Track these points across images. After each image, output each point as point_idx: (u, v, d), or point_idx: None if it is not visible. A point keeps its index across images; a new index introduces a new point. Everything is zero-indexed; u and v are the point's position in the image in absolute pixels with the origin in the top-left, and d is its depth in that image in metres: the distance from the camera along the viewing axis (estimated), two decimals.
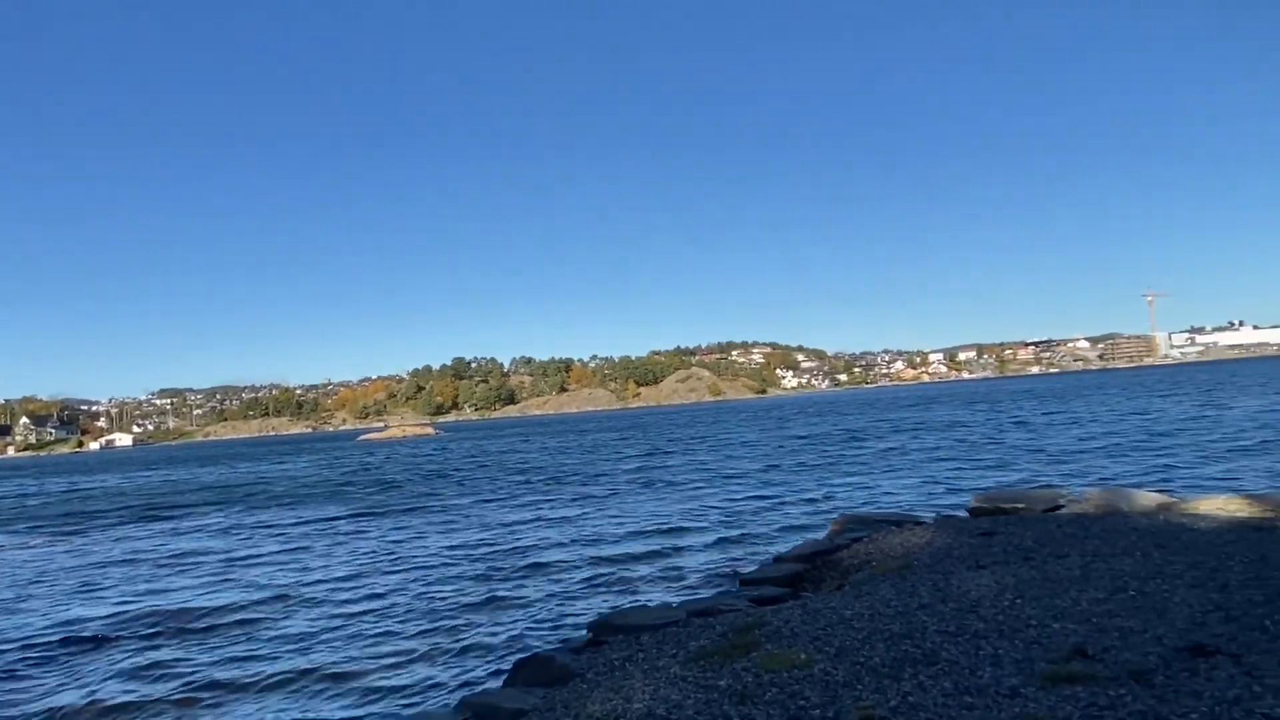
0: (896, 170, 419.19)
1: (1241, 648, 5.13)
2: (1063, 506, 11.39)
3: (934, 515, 13.68)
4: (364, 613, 11.49)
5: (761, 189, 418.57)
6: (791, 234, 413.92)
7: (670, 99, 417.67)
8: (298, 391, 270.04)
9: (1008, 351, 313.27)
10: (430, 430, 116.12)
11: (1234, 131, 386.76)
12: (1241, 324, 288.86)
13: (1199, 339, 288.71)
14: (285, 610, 12.07)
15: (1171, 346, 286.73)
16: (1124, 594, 6.67)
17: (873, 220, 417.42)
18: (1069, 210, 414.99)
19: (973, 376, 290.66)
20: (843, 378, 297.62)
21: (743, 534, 15.41)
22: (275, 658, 9.67)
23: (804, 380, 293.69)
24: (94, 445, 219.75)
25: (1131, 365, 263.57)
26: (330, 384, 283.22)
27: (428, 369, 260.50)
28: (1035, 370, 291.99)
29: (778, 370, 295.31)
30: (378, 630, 10.52)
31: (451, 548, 16.32)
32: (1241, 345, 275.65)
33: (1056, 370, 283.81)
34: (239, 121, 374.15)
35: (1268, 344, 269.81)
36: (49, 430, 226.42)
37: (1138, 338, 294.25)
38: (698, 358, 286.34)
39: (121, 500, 35.69)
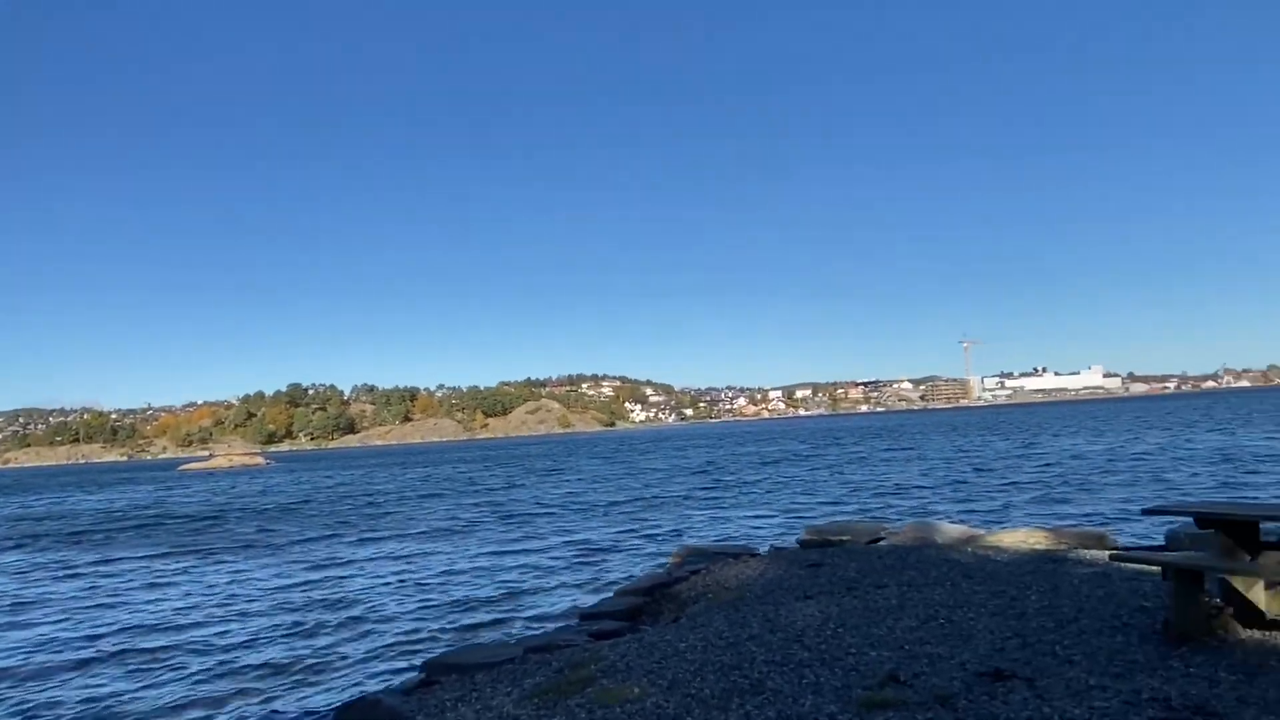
0: (738, 212, 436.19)
1: (1035, 672, 5.57)
2: (883, 539, 12.07)
3: (769, 547, 14.17)
4: (170, 659, 10.69)
5: (612, 225, 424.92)
6: (640, 271, 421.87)
7: (522, 123, 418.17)
8: (113, 416, 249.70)
9: (840, 390, 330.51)
10: (261, 460, 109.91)
11: (1039, 195, 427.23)
12: (1045, 370, 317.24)
13: (1008, 383, 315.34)
14: (73, 666, 11.06)
15: (984, 390, 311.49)
16: (934, 622, 7.12)
17: (719, 259, 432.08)
18: (897, 257, 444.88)
19: (809, 413, 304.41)
20: (689, 412, 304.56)
21: (591, 568, 15.41)
22: None
23: (652, 414, 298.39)
24: None
25: (950, 406, 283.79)
26: (150, 409, 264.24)
27: (260, 395, 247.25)
28: (865, 408, 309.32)
29: (627, 403, 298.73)
30: (185, 677, 9.81)
31: (275, 589, 15.44)
32: (1044, 390, 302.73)
33: (883, 409, 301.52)
34: (42, 113, 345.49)
35: (1066, 389, 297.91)
36: None
37: (955, 381, 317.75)
38: (548, 390, 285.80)
39: None
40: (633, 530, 20.38)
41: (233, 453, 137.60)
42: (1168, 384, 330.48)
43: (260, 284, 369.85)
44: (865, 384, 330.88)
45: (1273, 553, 5.92)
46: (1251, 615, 5.95)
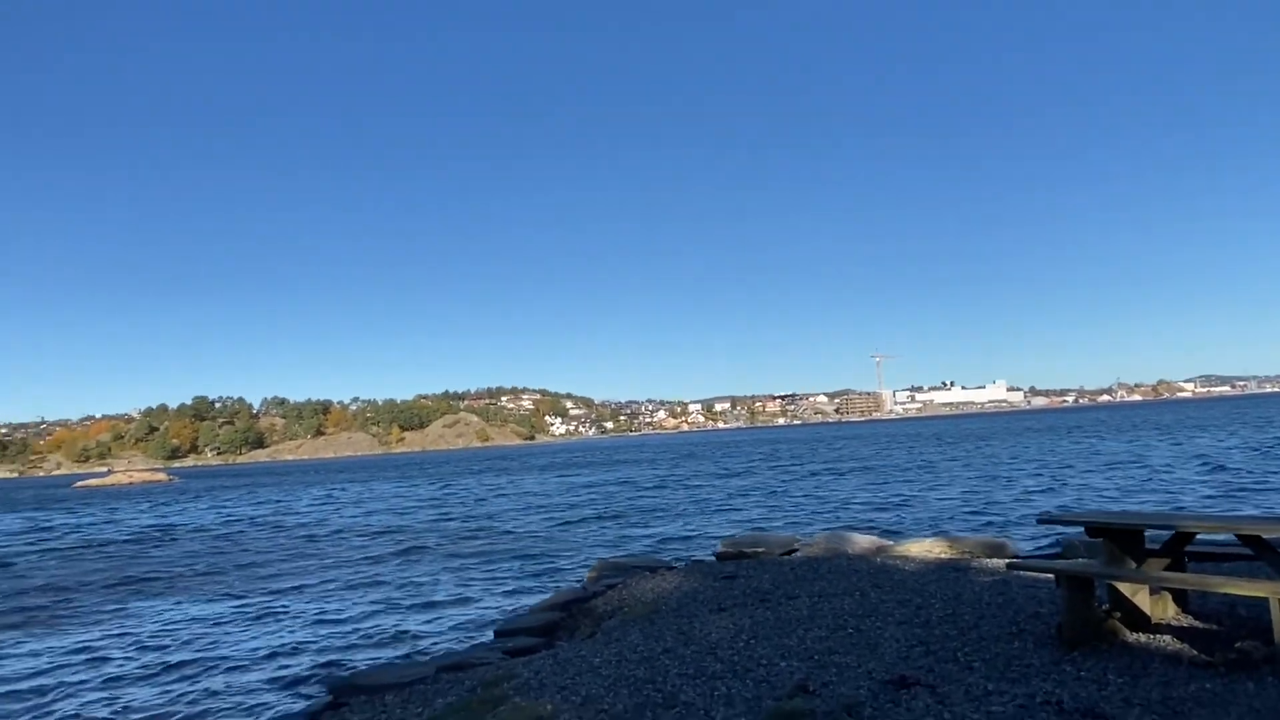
0: (662, 225, 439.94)
1: (937, 679, 5.75)
2: (797, 550, 12.28)
3: (685, 560, 14.25)
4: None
5: (532, 235, 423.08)
6: (561, 283, 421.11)
7: (442, 126, 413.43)
8: (2, 430, 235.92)
9: (758, 404, 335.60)
10: (163, 476, 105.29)
11: (951, 214, 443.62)
12: (952, 384, 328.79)
13: (918, 396, 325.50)
14: None
15: (895, 403, 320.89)
16: (844, 631, 7.28)
17: (638, 272, 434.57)
18: (811, 272, 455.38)
19: (728, 426, 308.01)
20: (609, 425, 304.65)
21: (516, 580, 15.23)
22: None
23: (572, 427, 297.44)
24: None
25: (863, 419, 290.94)
26: (45, 422, 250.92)
27: (164, 408, 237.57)
28: (782, 421, 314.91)
29: (547, 417, 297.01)
30: (67, 702, 9.33)
31: (175, 616, 14.84)
32: (952, 403, 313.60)
33: (800, 422, 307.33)
34: None
35: (973, 402, 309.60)
36: None
37: (868, 394, 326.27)
38: (466, 403, 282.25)
39: None
40: (560, 541, 20.25)
41: (133, 469, 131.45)
42: (1066, 397, 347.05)
43: (163, 290, 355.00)
44: (782, 397, 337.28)
45: (1156, 560, 6.25)
46: (1138, 619, 6.27)
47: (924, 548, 11.20)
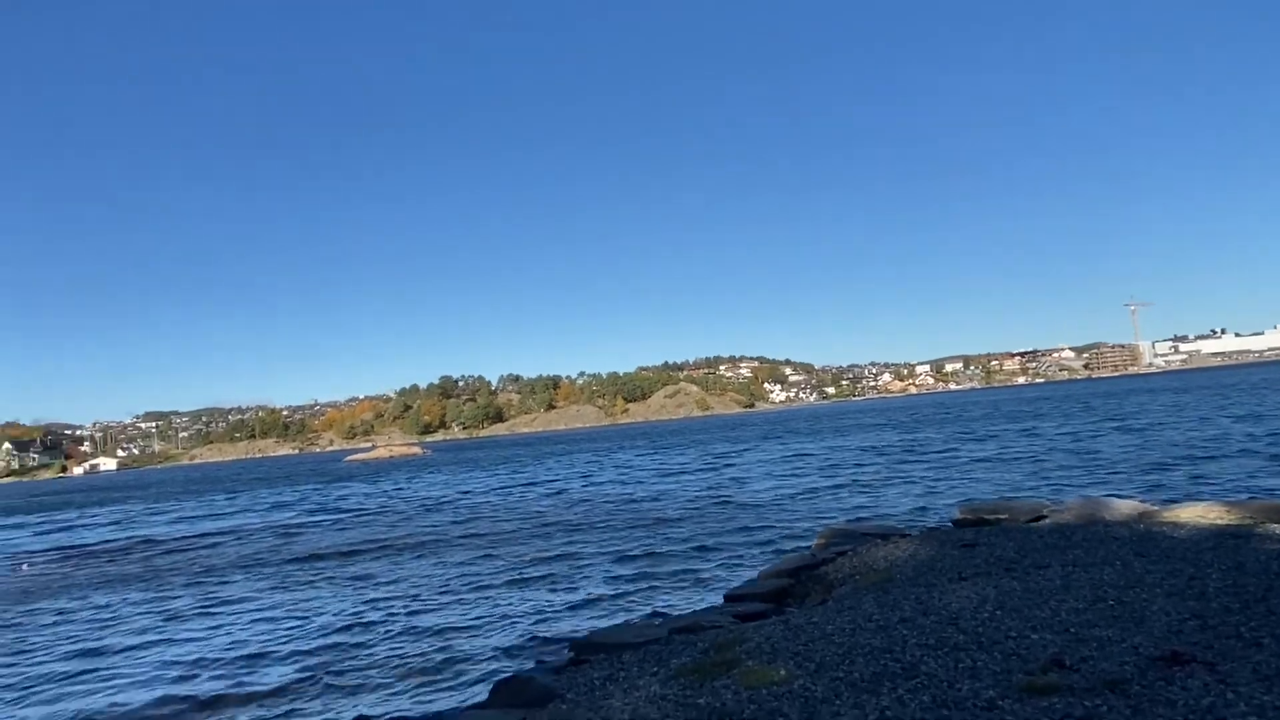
0: (880, 183, 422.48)
1: (1216, 655, 5.14)
2: (1045, 517, 11.42)
3: (919, 528, 13.71)
4: (346, 638, 11.40)
5: (746, 203, 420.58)
6: (777, 248, 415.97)
7: (652, 112, 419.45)
8: (284, 412, 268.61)
9: (994, 362, 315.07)
10: (418, 450, 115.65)
11: (1218, 139, 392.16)
12: (1224, 331, 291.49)
13: (1182, 347, 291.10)
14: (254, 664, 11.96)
15: (1155, 355, 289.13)
16: (1103, 604, 6.68)
17: (859, 233, 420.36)
18: (1053, 220, 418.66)
19: (960, 388, 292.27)
20: (830, 391, 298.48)
21: (754, 540, 15.39)
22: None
23: (792, 394, 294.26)
24: (78, 470, 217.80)
25: (1116, 374, 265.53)
26: (317, 404, 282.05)
27: (415, 388, 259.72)
28: (1021, 380, 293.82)
29: (765, 384, 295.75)
30: (356, 650, 10.44)
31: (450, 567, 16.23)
32: (1224, 353, 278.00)
33: (1042, 380, 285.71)
34: (220, 138, 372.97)
35: (1248, 351, 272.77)
36: (32, 456, 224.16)
37: (1122, 347, 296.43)
38: (685, 373, 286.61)
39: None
40: (775, 504, 20.19)
41: (392, 444, 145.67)
42: None
43: (413, 281, 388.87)
44: (1022, 354, 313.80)
45: None
46: None
47: (1197, 513, 10.05)
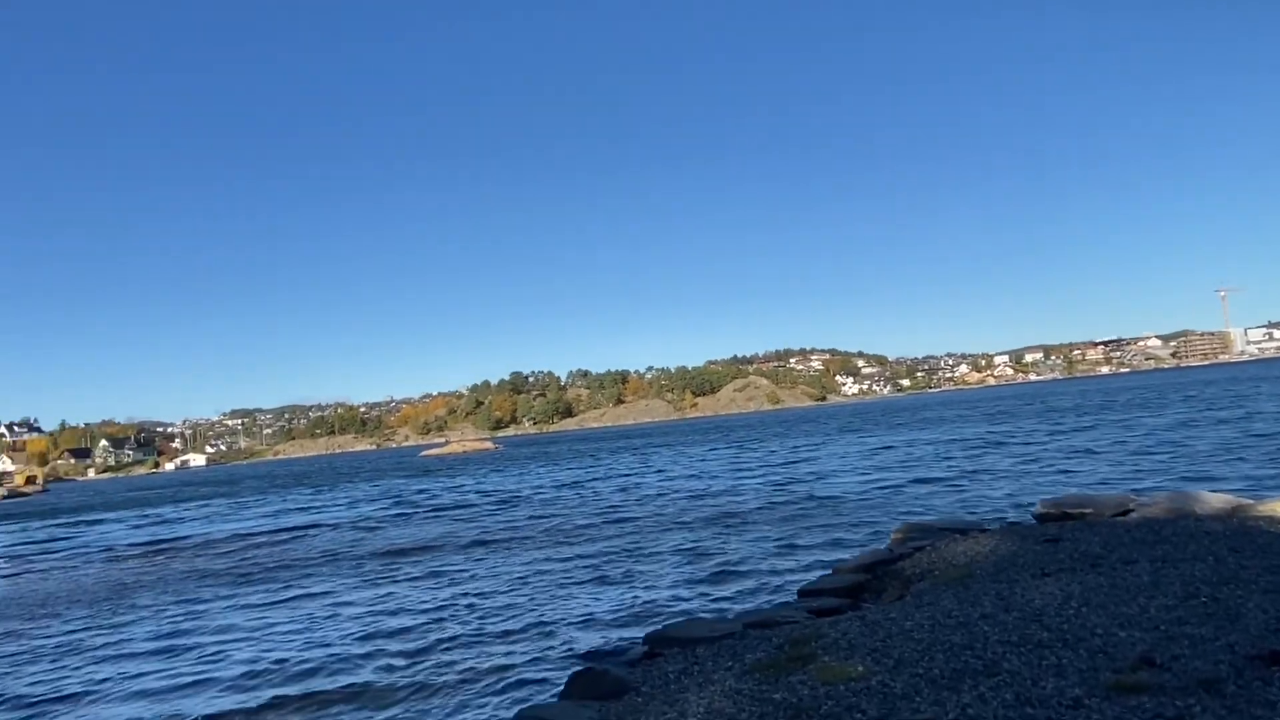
0: (957, 169, 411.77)
1: None
2: (1132, 510, 11.05)
3: (1000, 522, 13.41)
4: (424, 632, 11.68)
5: (815, 194, 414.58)
6: (848, 239, 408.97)
7: (714, 105, 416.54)
8: (361, 409, 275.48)
9: (1076, 352, 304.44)
10: (490, 445, 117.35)
11: None
12: None
13: (1277, 334, 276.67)
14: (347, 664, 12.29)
15: (1248, 342, 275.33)
16: (1195, 600, 6.45)
17: (932, 222, 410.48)
18: (1136, 205, 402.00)
19: (1040, 378, 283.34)
20: (905, 383, 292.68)
21: (819, 542, 15.29)
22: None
23: (865, 386, 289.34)
24: (169, 466, 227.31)
25: (1206, 363, 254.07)
26: (393, 401, 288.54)
27: (486, 384, 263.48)
28: (1105, 370, 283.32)
29: (837, 377, 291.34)
30: (436, 643, 10.69)
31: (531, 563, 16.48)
32: None
33: (1128, 370, 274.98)
34: (290, 144, 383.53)
35: None
36: (127, 452, 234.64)
37: (1211, 334, 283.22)
38: (755, 366, 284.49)
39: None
40: (857, 498, 19.93)
41: (466, 439, 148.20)
42: None
43: (484, 279, 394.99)
44: (1105, 343, 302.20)
45: None
46: None
47: None
